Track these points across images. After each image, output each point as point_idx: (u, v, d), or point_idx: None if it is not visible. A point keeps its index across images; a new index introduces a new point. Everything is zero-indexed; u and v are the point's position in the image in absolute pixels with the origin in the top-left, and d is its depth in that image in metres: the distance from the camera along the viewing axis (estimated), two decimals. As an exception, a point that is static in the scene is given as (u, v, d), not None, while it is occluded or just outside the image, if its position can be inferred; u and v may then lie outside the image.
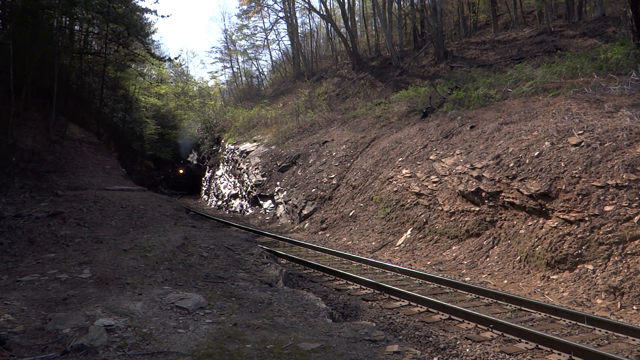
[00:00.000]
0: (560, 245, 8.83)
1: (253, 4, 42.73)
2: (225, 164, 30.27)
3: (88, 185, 13.25)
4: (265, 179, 22.63)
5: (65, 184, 12.95)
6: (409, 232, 12.72)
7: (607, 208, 8.62)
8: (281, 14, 41.62)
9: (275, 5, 42.04)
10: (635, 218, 8.16)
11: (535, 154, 10.85)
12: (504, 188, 10.85)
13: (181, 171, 37.21)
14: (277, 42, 69.44)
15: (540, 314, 7.03)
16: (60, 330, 4.48)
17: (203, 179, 36.02)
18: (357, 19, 35.87)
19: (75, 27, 19.38)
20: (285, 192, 20.03)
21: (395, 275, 9.75)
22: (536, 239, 9.37)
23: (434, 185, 13.13)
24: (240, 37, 47.21)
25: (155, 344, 4.35)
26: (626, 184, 8.73)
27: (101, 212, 10.82)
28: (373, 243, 13.21)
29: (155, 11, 31.43)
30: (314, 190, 18.35)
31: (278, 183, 21.30)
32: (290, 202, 19.10)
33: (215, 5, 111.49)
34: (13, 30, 13.60)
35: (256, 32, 46.76)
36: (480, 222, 11.04)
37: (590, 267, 8.15)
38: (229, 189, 27.52)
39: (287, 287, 7.50)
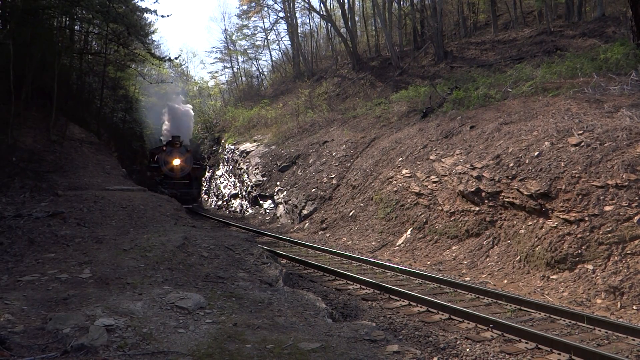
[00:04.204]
0: (560, 245, 8.83)
1: (253, 4, 42.76)
2: (225, 164, 30.28)
3: (88, 185, 13.25)
4: (265, 179, 22.63)
5: (65, 184, 12.94)
6: (409, 232, 12.73)
7: (607, 208, 8.63)
8: (281, 14, 41.67)
9: (275, 5, 42.09)
10: (635, 218, 8.17)
11: (535, 154, 10.86)
12: (504, 188, 10.86)
13: (177, 163, 21.51)
14: (277, 42, 69.40)
15: (540, 313, 7.04)
16: (61, 330, 4.48)
17: (203, 178, 31.30)
18: (357, 19, 35.86)
19: (76, 27, 19.37)
20: (285, 192, 20.04)
21: (395, 275, 9.76)
22: (536, 239, 9.37)
23: (434, 185, 13.14)
24: (240, 37, 47.27)
25: (156, 344, 4.35)
26: (626, 184, 8.74)
27: (101, 212, 10.81)
28: (373, 243, 13.22)
29: (155, 11, 31.33)
30: (314, 190, 18.35)
31: (278, 183, 21.30)
32: (290, 202, 19.10)
33: (215, 5, 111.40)
34: (13, 30, 13.59)
35: (256, 32, 46.81)
36: (480, 222, 11.05)
37: (590, 267, 8.16)
38: (229, 189, 27.53)
39: (287, 287, 7.50)
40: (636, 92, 12.37)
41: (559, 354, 5.50)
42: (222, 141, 33.84)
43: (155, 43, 36.77)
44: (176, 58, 27.77)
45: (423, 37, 28.29)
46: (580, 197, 9.19)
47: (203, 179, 30.14)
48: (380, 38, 32.89)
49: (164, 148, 22.15)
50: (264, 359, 4.14)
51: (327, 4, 37.97)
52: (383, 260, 11.17)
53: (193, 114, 33.91)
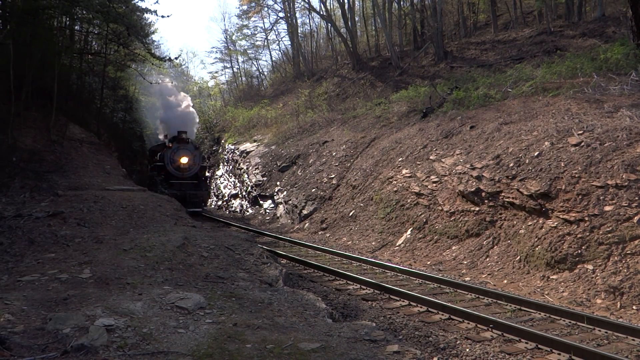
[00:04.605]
0: (560, 245, 8.83)
1: (253, 4, 42.75)
2: (225, 164, 30.27)
3: (88, 185, 13.24)
4: (265, 179, 22.63)
5: (65, 184, 12.94)
6: (409, 232, 12.73)
7: (607, 208, 8.63)
8: (281, 14, 41.67)
9: (275, 5, 42.09)
10: (635, 218, 8.17)
11: (535, 154, 10.86)
12: (503, 188, 10.86)
13: (185, 161, 19.68)
14: (277, 42, 69.30)
15: (540, 313, 7.04)
16: (61, 330, 4.48)
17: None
18: (357, 19, 35.86)
19: (76, 27, 19.37)
20: (285, 192, 20.04)
21: (395, 275, 9.76)
22: (536, 239, 9.37)
23: (434, 185, 13.14)
24: (240, 37, 47.27)
25: (156, 344, 4.35)
26: (626, 184, 8.74)
27: (101, 212, 10.81)
28: (373, 243, 13.22)
29: (155, 11, 31.24)
30: (314, 190, 18.35)
31: (278, 183, 21.30)
32: (290, 202, 19.11)
33: (215, 5, 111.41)
34: (13, 30, 13.58)
35: (256, 32, 46.81)
36: (480, 222, 11.05)
37: (590, 267, 8.16)
38: (229, 189, 27.52)
39: (287, 287, 7.50)
40: (636, 92, 12.37)
41: (559, 354, 5.50)
42: (222, 141, 33.85)
43: (155, 43, 36.72)
44: (176, 58, 27.66)
45: (423, 37, 28.29)
46: (580, 197, 9.19)
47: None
48: (380, 38, 32.89)
49: (170, 145, 20.01)
50: (264, 359, 4.14)
51: (327, 4, 38.01)
52: (383, 260, 11.17)
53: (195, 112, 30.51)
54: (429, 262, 10.96)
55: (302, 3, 39.26)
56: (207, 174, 23.97)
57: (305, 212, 17.73)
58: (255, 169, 24.04)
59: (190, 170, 19.97)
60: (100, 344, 4.21)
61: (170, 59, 20.17)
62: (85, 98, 21.16)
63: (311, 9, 36.94)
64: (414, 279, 9.40)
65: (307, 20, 48.17)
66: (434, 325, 6.72)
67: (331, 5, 40.52)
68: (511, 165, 11.11)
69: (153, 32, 29.37)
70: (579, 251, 8.47)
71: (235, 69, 48.87)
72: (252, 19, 45.25)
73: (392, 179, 14.98)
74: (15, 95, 13.37)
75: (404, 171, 14.73)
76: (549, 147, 10.80)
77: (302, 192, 18.79)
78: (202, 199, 20.39)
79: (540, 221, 9.64)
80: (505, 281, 9.09)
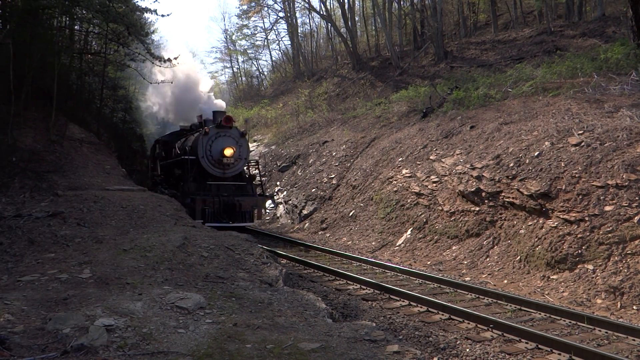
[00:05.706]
0: (560, 245, 8.83)
1: (253, 4, 42.73)
2: (225, 164, 30.20)
3: (88, 185, 13.22)
4: (265, 179, 22.63)
5: (65, 184, 12.92)
6: (409, 232, 12.72)
7: (607, 208, 8.62)
8: (281, 14, 41.64)
9: (275, 5, 42.04)
10: (635, 218, 8.16)
11: (535, 154, 10.85)
12: (504, 188, 10.86)
13: (229, 153, 14.20)
14: (277, 42, 69.15)
15: (540, 314, 7.04)
16: (60, 330, 4.48)
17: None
18: (357, 19, 35.84)
19: (75, 27, 19.35)
20: (285, 192, 20.04)
21: (395, 275, 9.75)
22: (536, 239, 9.37)
23: (434, 185, 13.13)
24: (240, 37, 47.26)
25: (155, 344, 4.35)
26: (626, 184, 8.74)
27: (101, 212, 10.79)
28: (373, 243, 13.21)
29: (155, 11, 31.07)
30: (314, 190, 18.34)
31: (278, 183, 21.30)
32: (290, 202, 19.10)
33: (215, 5, 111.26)
34: (13, 30, 13.57)
35: (256, 32, 46.78)
36: (480, 222, 11.04)
37: (590, 267, 8.15)
38: (229, 189, 27.46)
39: (287, 287, 7.50)
40: (636, 92, 12.37)
41: (559, 354, 5.50)
42: (222, 141, 33.81)
43: (156, 43, 36.55)
44: (176, 58, 27.56)
45: (423, 37, 28.28)
46: (580, 197, 9.19)
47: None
48: (380, 38, 32.88)
49: (207, 130, 14.25)
50: (264, 359, 4.14)
51: (327, 4, 37.99)
52: (383, 260, 11.17)
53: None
54: (429, 262, 10.95)
55: (302, 3, 39.26)
56: (253, 171, 17.01)
57: (305, 212, 17.72)
58: (255, 169, 24.01)
59: (235, 166, 14.58)
60: (100, 344, 4.21)
61: (169, 59, 20.11)
62: (85, 98, 21.12)
63: (311, 9, 36.95)
64: (414, 279, 9.39)
65: (307, 20, 48.11)
66: (434, 325, 6.72)
67: (331, 5, 40.53)
68: (511, 165, 11.11)
69: (153, 32, 29.27)
70: (579, 251, 8.47)
71: (235, 69, 48.90)
72: (252, 18, 45.25)
73: (392, 179, 14.98)
74: (15, 95, 13.35)
75: (404, 171, 14.72)
76: (549, 147, 10.80)
77: (302, 192, 18.79)
78: (257, 208, 14.63)
79: (541, 221, 9.64)
80: (506, 281, 9.09)
